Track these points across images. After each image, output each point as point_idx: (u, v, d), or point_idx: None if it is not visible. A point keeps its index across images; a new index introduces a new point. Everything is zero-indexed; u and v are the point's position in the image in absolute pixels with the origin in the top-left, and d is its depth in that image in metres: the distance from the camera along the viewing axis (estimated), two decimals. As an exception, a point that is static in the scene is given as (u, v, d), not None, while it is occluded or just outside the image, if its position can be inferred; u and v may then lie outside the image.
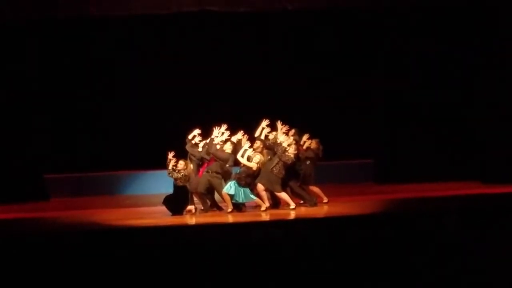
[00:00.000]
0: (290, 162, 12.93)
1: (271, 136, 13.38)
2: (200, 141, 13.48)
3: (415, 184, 16.09)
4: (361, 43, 17.17)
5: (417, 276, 9.78)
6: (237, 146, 13.24)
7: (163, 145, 13.47)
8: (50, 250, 10.06)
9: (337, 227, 10.87)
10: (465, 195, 14.37)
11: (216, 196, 13.39)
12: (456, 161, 16.73)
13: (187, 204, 13.07)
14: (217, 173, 13.14)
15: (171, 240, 10.42)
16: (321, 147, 13.67)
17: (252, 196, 12.92)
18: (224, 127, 13.35)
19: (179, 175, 12.89)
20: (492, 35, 16.37)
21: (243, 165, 12.94)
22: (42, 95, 16.78)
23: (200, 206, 13.41)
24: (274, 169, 12.92)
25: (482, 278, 9.70)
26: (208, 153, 13.22)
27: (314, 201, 13.35)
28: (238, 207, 13.03)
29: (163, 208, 12.98)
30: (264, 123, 13.47)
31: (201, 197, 13.33)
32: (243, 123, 13.63)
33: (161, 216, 12.77)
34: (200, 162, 13.38)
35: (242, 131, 13.44)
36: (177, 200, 12.94)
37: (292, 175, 13.28)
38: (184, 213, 12.98)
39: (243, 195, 12.85)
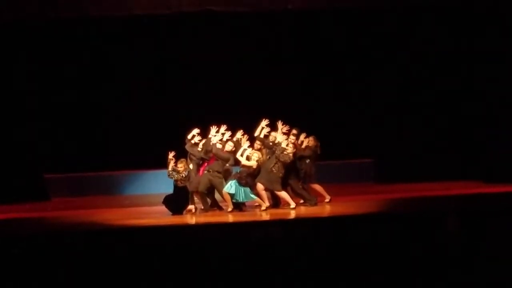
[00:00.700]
0: (289, 161, 12.94)
1: (271, 137, 13.38)
2: (200, 140, 13.49)
3: (415, 184, 16.08)
4: (361, 43, 17.16)
5: (417, 276, 9.77)
6: (237, 146, 13.25)
7: (163, 145, 13.47)
8: (50, 250, 10.05)
9: (337, 226, 10.88)
10: (465, 194, 14.36)
11: (216, 195, 13.40)
12: (457, 161, 16.73)
13: (187, 204, 13.07)
14: (218, 172, 13.15)
15: (171, 240, 10.42)
16: (318, 143, 13.67)
17: (252, 195, 12.92)
18: (224, 127, 13.37)
19: (179, 176, 12.88)
20: (493, 35, 16.36)
21: (242, 164, 12.95)
22: (42, 95, 16.78)
23: (200, 206, 13.41)
24: (274, 168, 12.93)
25: (482, 278, 9.68)
26: (206, 152, 13.23)
27: (314, 201, 13.35)
28: (239, 206, 13.04)
29: (163, 208, 12.98)
30: (264, 122, 13.47)
31: (202, 196, 13.33)
32: (243, 123, 13.63)
33: (161, 216, 12.78)
34: (200, 162, 13.40)
35: (241, 131, 13.47)
36: (177, 200, 12.94)
37: (293, 174, 13.28)
38: (184, 213, 12.98)
39: (243, 194, 12.86)
